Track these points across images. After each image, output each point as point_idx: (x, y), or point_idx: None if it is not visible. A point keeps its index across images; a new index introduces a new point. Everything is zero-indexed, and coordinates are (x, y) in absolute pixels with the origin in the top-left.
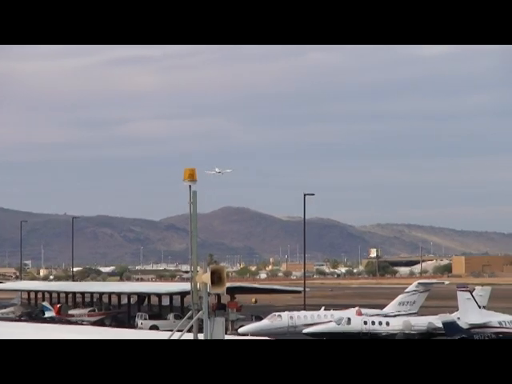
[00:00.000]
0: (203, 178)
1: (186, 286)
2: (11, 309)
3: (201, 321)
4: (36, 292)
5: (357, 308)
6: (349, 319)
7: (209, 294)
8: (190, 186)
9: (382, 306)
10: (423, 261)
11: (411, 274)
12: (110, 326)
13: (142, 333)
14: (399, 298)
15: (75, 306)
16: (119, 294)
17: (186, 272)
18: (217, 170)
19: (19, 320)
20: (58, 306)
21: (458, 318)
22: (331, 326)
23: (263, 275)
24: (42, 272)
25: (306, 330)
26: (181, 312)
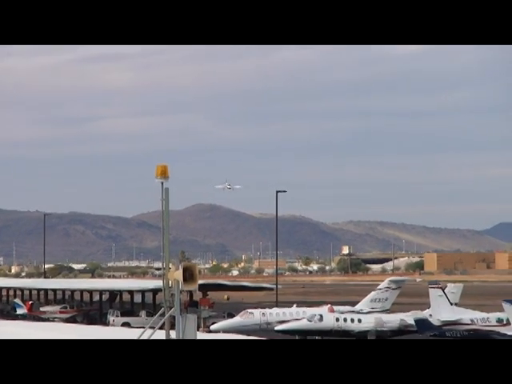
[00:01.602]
0: (178, 175)
1: (158, 283)
2: None
3: (173, 318)
4: (8, 289)
5: (329, 305)
6: (321, 316)
7: (181, 291)
8: (162, 183)
9: (354, 303)
10: (395, 258)
11: (383, 271)
12: (82, 323)
13: (113, 330)
14: (371, 295)
15: (47, 303)
16: (91, 291)
17: (158, 269)
18: (227, 185)
19: None
20: (30, 303)
21: (430, 315)
22: (303, 323)
23: (235, 272)
24: (14, 269)
25: (278, 327)
26: (153, 309)
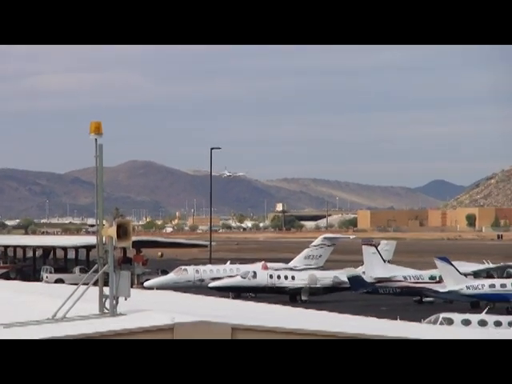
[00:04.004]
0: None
1: (91, 240)
2: None
3: (106, 274)
4: None
5: (262, 262)
6: (255, 273)
7: (114, 247)
8: (96, 140)
9: (287, 260)
10: (329, 215)
11: (317, 229)
12: (15, 279)
13: (47, 286)
14: (305, 252)
15: None
16: (24, 247)
17: (92, 226)
18: (227, 172)
19: None
20: None
21: (363, 272)
22: (237, 280)
23: (169, 229)
24: None
25: (211, 284)
26: (86, 265)
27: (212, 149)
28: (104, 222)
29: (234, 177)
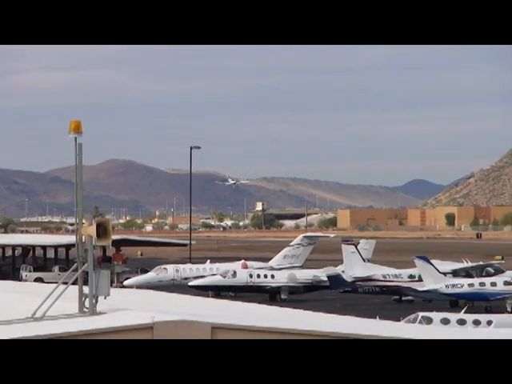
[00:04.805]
0: (92, 131)
1: (71, 239)
2: None
3: (86, 273)
4: None
5: (242, 261)
6: (234, 272)
7: (94, 246)
8: (75, 139)
9: (267, 259)
10: (309, 214)
11: (297, 228)
12: None
13: (26, 285)
14: (285, 251)
15: None
16: (3, 246)
17: (72, 224)
18: (230, 181)
19: None
20: None
21: (343, 271)
22: (217, 279)
23: (149, 228)
24: None
25: (191, 283)
26: (66, 264)
27: (192, 148)
28: (84, 220)
29: (237, 185)
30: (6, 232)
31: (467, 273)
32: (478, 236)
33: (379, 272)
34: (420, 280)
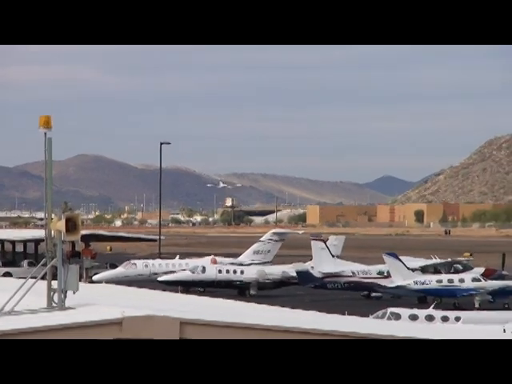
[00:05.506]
0: (62, 126)
1: (40, 233)
2: None
3: (55, 268)
4: None
5: (211, 256)
6: (203, 268)
7: (63, 241)
8: (45, 134)
9: (236, 255)
10: (278, 210)
11: (266, 224)
12: None
13: None
14: (254, 246)
15: None
16: None
17: (41, 219)
18: (221, 184)
19: None
20: None
21: (312, 267)
22: (186, 275)
23: (118, 223)
24: None
25: (160, 278)
26: (35, 259)
27: (162, 143)
28: (53, 215)
29: (226, 187)
30: None
31: (436, 269)
32: (447, 233)
33: (348, 268)
34: (389, 276)
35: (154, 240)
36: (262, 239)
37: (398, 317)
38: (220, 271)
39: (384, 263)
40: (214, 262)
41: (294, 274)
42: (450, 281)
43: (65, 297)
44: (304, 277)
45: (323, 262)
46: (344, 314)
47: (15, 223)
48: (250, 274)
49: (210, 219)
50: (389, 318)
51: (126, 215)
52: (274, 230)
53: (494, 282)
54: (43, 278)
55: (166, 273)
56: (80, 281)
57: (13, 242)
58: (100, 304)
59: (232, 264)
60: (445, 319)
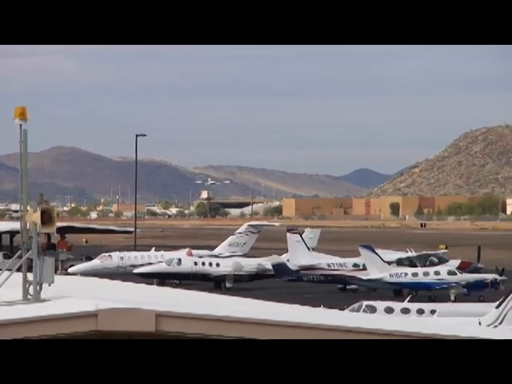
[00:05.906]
0: (38, 117)
1: (15, 225)
2: None
3: (30, 260)
4: None
5: (187, 249)
6: (179, 260)
7: (38, 233)
8: (20, 125)
9: (212, 247)
10: (254, 203)
11: (242, 216)
12: None
13: None
14: (230, 239)
15: None
16: None
17: (16, 211)
18: (210, 180)
19: None
20: None
21: (288, 260)
22: (162, 267)
23: (94, 215)
24: None
25: (136, 271)
26: (10, 251)
27: (137, 135)
28: (28, 207)
29: (216, 184)
30: None
31: (411, 262)
32: (422, 226)
33: (324, 261)
34: (364, 269)
35: (130, 232)
36: (237, 232)
37: (373, 310)
38: (196, 263)
39: (360, 256)
40: (190, 254)
41: (270, 267)
42: (426, 274)
43: (40, 289)
44: (280, 270)
45: (299, 255)
46: (320, 307)
47: None
48: (226, 266)
49: (186, 211)
50: (364, 311)
51: (101, 207)
52: (249, 223)
53: (469, 274)
54: (18, 270)
55: (142, 265)
56: (55, 273)
57: None
58: (75, 296)
59: (208, 256)
60: (420, 312)
